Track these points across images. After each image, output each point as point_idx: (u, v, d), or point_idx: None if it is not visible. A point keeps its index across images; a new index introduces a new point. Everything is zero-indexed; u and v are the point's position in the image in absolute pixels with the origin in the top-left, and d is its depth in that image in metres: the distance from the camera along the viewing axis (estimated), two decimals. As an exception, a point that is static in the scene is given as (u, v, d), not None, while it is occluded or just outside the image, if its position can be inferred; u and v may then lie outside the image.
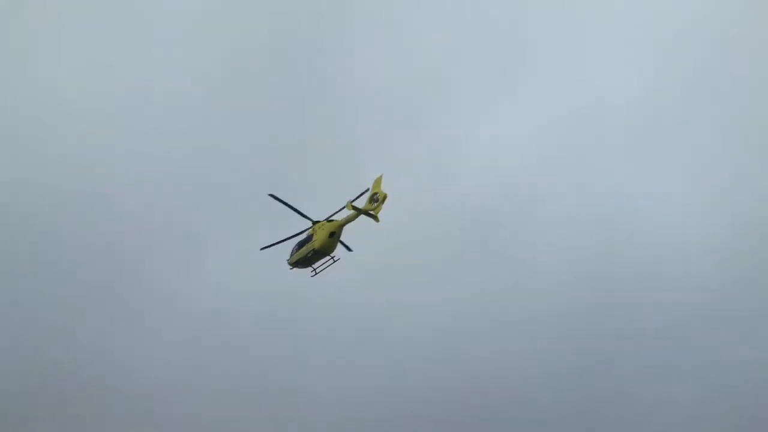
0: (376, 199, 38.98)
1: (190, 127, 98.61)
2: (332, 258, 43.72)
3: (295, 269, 45.43)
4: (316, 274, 44.63)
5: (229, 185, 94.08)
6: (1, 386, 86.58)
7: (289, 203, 42.67)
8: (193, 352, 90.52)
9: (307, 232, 44.48)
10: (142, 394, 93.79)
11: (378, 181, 38.78)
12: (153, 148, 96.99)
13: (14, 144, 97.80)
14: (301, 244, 44.33)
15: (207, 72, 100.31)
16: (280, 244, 45.26)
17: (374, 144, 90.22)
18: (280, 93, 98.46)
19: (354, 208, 40.08)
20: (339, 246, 43.91)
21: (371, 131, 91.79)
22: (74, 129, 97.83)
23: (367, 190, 39.99)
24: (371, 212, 39.34)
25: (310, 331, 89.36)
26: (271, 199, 41.81)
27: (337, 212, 42.51)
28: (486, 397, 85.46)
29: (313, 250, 43.09)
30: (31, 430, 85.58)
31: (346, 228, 42.82)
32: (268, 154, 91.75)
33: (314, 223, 43.56)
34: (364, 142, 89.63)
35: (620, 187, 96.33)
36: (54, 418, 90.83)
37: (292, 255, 45.12)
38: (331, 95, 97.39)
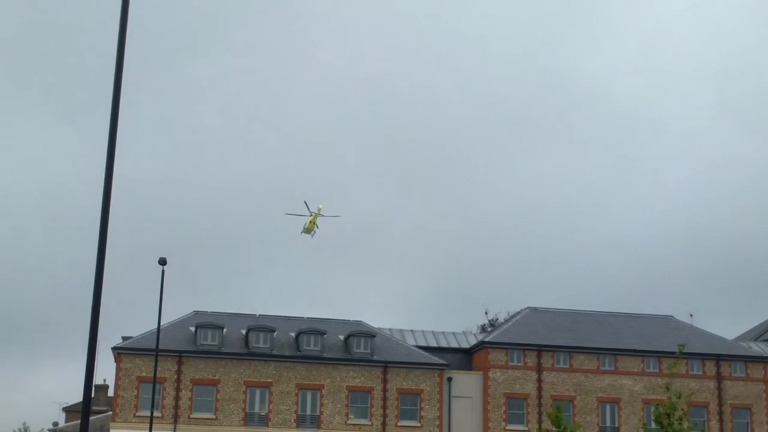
0: (318, 213, 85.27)
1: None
2: (315, 231, 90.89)
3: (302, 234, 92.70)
4: (312, 237, 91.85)
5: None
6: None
7: (308, 206, 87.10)
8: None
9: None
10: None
11: (320, 207, 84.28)
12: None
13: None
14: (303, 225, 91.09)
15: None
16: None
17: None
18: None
19: (315, 214, 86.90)
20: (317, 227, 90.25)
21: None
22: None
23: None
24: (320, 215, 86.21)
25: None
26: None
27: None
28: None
29: (306, 228, 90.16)
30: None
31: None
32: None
33: (311, 214, 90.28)
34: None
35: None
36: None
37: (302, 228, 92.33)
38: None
